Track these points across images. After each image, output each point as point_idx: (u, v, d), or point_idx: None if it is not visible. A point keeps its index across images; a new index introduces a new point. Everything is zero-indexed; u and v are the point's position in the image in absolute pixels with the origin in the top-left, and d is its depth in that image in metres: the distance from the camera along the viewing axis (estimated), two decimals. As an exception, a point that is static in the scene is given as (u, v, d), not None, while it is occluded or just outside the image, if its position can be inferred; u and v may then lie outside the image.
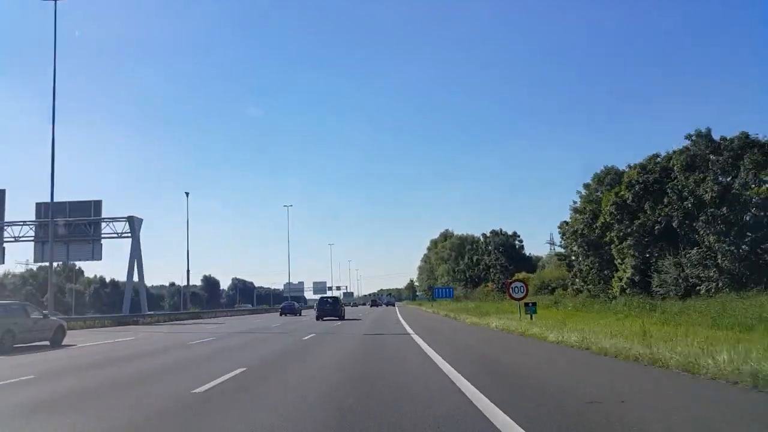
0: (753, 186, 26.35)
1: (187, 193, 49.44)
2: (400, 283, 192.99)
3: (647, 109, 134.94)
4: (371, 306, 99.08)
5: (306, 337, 21.28)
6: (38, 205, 42.76)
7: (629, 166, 34.38)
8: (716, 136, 29.38)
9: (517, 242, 72.42)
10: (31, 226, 44.14)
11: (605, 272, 36.60)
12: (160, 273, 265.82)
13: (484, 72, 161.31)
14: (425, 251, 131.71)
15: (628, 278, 32.89)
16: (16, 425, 6.37)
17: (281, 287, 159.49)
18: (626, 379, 8.50)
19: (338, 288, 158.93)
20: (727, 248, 26.38)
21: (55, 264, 37.34)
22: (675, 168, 29.93)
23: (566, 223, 43.95)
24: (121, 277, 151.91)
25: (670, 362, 9.22)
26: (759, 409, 6.41)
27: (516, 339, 17.41)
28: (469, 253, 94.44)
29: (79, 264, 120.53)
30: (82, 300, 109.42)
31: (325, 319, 37.20)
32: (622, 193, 32.82)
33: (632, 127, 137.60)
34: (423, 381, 9.01)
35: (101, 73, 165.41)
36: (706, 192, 27.19)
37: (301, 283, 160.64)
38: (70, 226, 41.00)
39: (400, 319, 34.52)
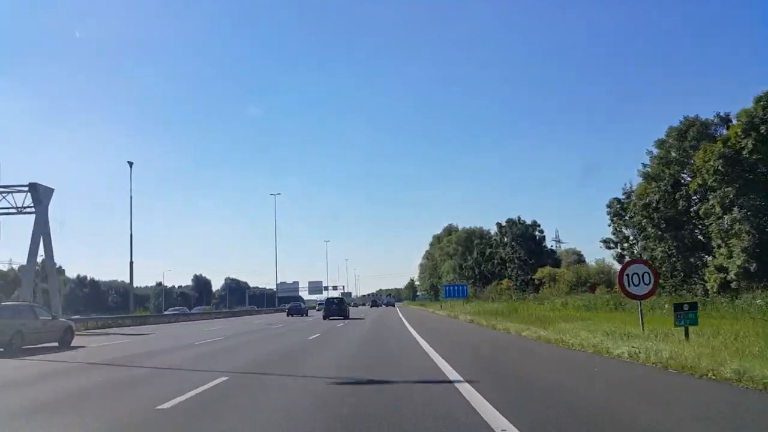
0: None
1: (130, 163, 38.55)
2: (399, 283, 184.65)
3: (647, 110, 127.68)
4: (371, 306, 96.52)
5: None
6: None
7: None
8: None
9: (537, 233, 61.48)
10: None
11: (691, 260, 25.93)
12: (150, 273, 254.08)
13: (484, 72, 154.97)
14: (427, 248, 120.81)
15: (738, 266, 22.13)
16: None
17: (275, 287, 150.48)
18: None
19: (335, 288, 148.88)
20: None
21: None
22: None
23: (619, 201, 33.38)
24: (103, 276, 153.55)
25: None
26: None
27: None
28: (478, 247, 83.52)
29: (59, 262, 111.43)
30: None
31: (331, 318, 37.32)
32: (733, 141, 22.00)
33: (632, 127, 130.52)
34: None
35: (101, 73, 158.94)
36: None
37: (296, 282, 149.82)
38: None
39: (412, 332, 23.49)
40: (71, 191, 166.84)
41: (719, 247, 24.12)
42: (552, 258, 59.72)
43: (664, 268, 28.54)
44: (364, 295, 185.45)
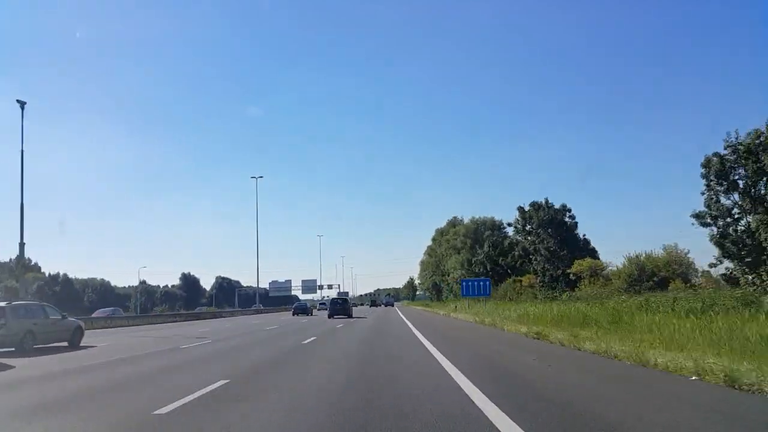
0: None
1: (21, 104, 27.00)
2: (397, 283, 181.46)
3: (647, 109, 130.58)
4: (371, 306, 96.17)
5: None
6: None
7: None
8: None
9: (568, 218, 50.07)
10: None
11: None
12: (146, 272, 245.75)
13: (484, 72, 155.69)
14: (429, 243, 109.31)
15: None
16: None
17: (266, 286, 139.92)
18: None
19: (330, 287, 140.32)
20: None
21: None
22: None
23: (721, 160, 22.36)
24: (79, 273, 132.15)
25: None
26: None
27: None
28: (489, 239, 72.14)
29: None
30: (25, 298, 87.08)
31: (335, 317, 39.70)
32: None
33: (632, 127, 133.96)
34: None
35: (101, 73, 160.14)
36: None
37: (288, 281, 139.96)
38: None
39: (446, 367, 12.45)
40: (71, 191, 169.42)
41: None
42: (588, 249, 48.32)
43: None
44: (361, 295, 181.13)
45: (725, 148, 23.69)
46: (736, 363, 7.49)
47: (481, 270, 70.91)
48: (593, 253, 47.54)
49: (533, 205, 50.02)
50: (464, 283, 35.91)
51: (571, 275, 43.39)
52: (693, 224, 26.03)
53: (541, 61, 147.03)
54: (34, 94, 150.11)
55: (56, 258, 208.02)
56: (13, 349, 15.41)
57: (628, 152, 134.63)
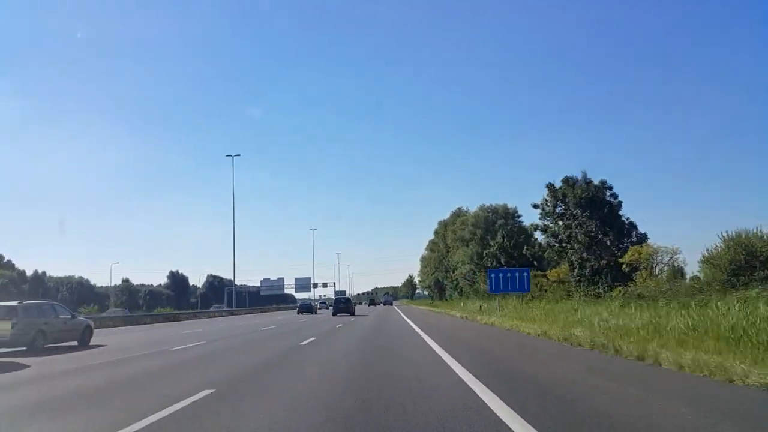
0: None
1: None
2: (395, 281, 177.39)
3: (647, 109, 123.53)
4: (369, 305, 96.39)
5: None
6: None
7: None
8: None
9: (609, 197, 39.99)
10: None
11: None
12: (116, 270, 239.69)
13: (484, 72, 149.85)
14: (431, 237, 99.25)
15: None
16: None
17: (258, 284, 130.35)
18: None
19: (324, 285, 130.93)
20: None
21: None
22: None
23: None
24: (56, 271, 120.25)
25: None
26: None
27: None
28: (503, 228, 62.16)
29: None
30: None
31: (339, 315, 41.93)
32: None
33: (631, 127, 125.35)
34: None
35: (101, 73, 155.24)
36: None
37: (281, 279, 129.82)
38: None
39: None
40: (70, 191, 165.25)
41: None
42: (635, 234, 38.39)
43: None
44: (359, 294, 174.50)
45: None
46: None
47: (494, 263, 60.97)
48: (642, 240, 37.57)
49: (567, 181, 39.90)
50: (493, 275, 25.84)
51: (624, 266, 33.47)
52: None
53: (541, 61, 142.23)
54: (34, 94, 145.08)
55: (55, 258, 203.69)
56: (24, 348, 15.25)
57: (628, 151, 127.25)
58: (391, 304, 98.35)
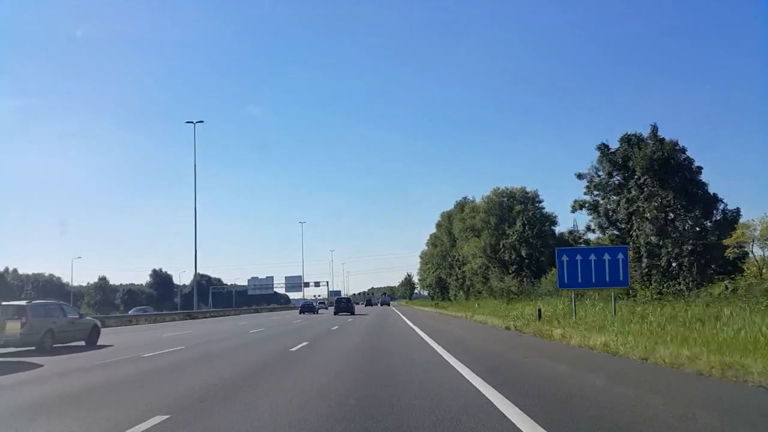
0: None
1: None
2: (393, 281, 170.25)
3: (647, 109, 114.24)
4: (366, 305, 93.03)
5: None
6: None
7: None
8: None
9: (684, 162, 29.34)
10: None
11: None
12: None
13: (484, 71, 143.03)
14: (433, 230, 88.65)
15: None
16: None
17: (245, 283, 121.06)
18: None
19: (317, 284, 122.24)
20: None
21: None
22: None
23: None
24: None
25: None
26: None
27: None
28: (523, 214, 51.44)
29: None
30: None
31: (340, 314, 42.88)
32: None
33: (630, 126, 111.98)
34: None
35: (101, 73, 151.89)
36: None
37: (270, 278, 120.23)
38: None
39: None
40: (71, 191, 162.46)
41: None
42: (726, 210, 27.84)
43: None
44: (354, 294, 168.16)
45: None
46: None
47: (513, 258, 50.46)
48: (734, 218, 27.09)
49: (627, 139, 29.33)
50: (566, 259, 14.94)
51: (728, 254, 22.97)
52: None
53: (541, 61, 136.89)
54: (34, 94, 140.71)
55: (53, 258, 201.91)
56: (33, 348, 15.00)
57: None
58: (388, 305, 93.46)
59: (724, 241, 23.45)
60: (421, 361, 9.91)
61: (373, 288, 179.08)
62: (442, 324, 23.93)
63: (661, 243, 26.84)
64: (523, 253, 48.86)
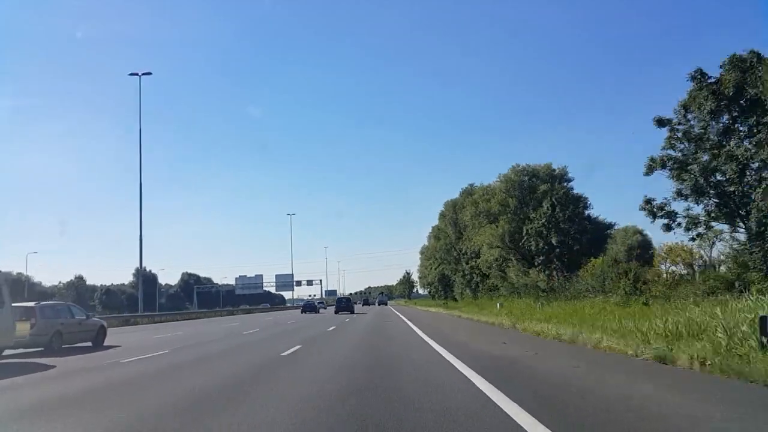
0: None
1: None
2: (390, 280, 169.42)
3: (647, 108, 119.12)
4: (363, 305, 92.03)
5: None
6: None
7: None
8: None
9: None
10: None
11: None
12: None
13: (484, 72, 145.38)
14: (435, 223, 79.00)
15: None
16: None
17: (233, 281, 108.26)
18: None
19: (310, 282, 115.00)
20: None
21: None
22: None
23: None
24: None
25: None
26: None
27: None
28: (550, 195, 41.81)
29: None
30: None
31: (341, 312, 44.98)
32: None
33: (630, 127, 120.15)
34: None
35: (101, 73, 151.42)
36: None
37: (259, 276, 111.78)
38: None
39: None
40: (71, 191, 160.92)
41: None
42: None
43: None
44: (351, 294, 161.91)
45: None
46: None
47: (539, 247, 40.86)
48: None
49: (738, 62, 19.75)
50: None
51: None
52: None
53: (541, 61, 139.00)
54: (33, 94, 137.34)
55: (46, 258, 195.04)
56: (42, 349, 14.97)
57: (629, 149, 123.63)
58: (386, 304, 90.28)
59: None
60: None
61: (369, 287, 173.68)
62: (498, 348, 14.26)
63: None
64: (553, 241, 39.34)
